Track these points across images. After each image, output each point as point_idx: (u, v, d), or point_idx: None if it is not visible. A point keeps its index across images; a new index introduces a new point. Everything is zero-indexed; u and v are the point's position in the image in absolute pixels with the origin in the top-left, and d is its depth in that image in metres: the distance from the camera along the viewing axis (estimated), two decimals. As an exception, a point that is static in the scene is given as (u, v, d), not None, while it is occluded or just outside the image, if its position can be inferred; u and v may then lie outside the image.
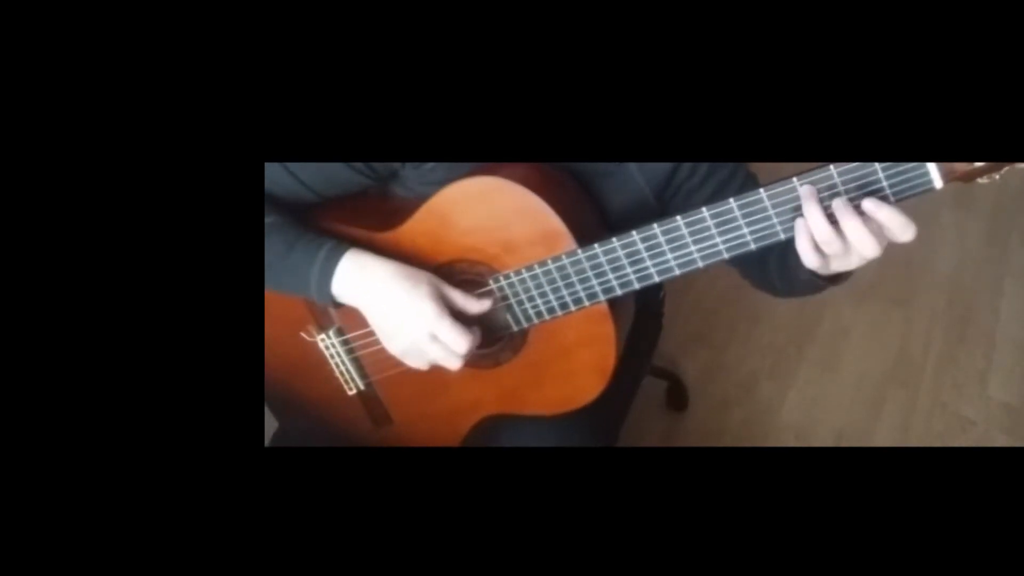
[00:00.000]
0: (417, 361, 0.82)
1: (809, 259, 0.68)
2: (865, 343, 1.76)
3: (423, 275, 0.79)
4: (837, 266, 0.69)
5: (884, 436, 1.57)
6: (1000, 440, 1.55)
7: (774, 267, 0.84)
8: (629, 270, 0.75)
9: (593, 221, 0.83)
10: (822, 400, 1.65)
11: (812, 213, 0.65)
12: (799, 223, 0.67)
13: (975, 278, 1.89)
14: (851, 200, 0.65)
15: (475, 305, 0.80)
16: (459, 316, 0.79)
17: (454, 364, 0.80)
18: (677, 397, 1.63)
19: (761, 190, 0.68)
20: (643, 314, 1.16)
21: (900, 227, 0.64)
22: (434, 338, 0.78)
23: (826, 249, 0.66)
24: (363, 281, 0.79)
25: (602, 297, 0.77)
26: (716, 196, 0.83)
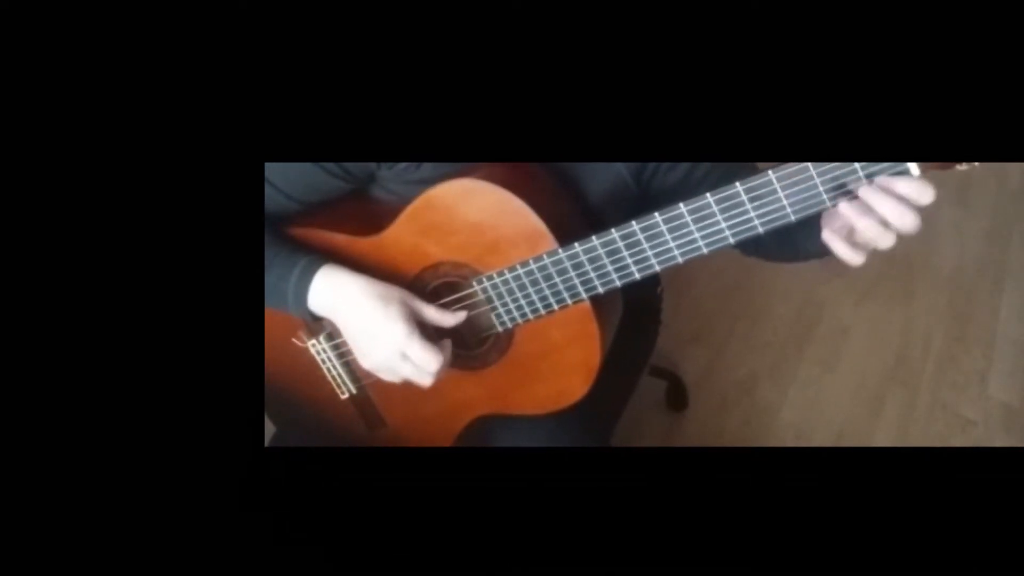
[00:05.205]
0: (390, 377, 0.83)
1: (845, 253, 0.67)
2: (865, 343, 1.76)
3: (394, 293, 0.79)
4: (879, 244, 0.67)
5: (884, 436, 1.57)
6: (1000, 440, 1.55)
7: (774, 246, 0.84)
8: (610, 268, 0.75)
9: (573, 213, 0.83)
10: (822, 400, 1.65)
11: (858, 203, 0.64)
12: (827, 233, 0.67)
13: (975, 278, 1.89)
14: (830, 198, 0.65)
15: (449, 319, 0.81)
16: (435, 329, 0.80)
17: (426, 381, 0.81)
18: (677, 397, 1.63)
19: (737, 184, 0.68)
20: (641, 313, 1.16)
21: (918, 191, 0.63)
22: (405, 357, 0.79)
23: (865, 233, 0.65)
24: (335, 299, 0.80)
25: (584, 296, 0.78)
26: (691, 173, 0.84)
